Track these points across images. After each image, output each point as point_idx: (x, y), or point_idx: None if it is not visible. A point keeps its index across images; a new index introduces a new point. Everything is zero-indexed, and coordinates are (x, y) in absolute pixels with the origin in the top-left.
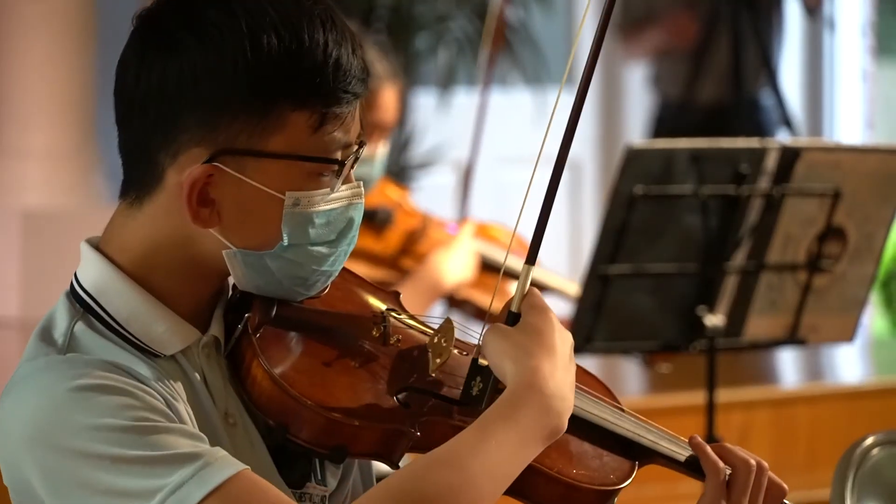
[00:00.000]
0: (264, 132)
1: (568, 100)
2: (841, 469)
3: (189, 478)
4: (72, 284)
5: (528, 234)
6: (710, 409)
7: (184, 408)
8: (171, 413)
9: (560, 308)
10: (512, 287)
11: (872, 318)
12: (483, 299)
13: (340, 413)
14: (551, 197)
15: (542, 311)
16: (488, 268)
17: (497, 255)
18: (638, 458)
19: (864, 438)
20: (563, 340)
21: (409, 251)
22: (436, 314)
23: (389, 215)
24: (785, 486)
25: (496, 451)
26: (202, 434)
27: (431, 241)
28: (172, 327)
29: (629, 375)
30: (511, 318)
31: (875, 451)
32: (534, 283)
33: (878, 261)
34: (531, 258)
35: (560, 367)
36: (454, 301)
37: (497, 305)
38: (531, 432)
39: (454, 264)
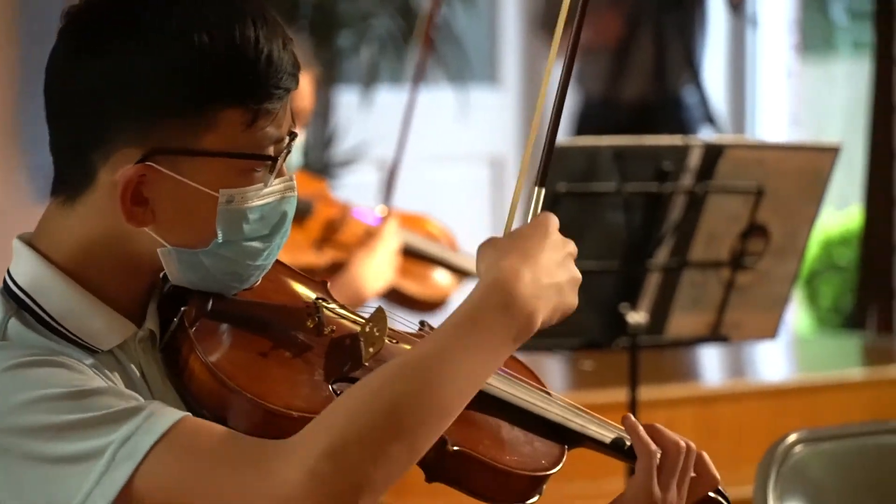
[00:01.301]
0: (197, 131)
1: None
2: (763, 466)
3: (137, 427)
4: (4, 281)
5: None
6: (633, 406)
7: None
8: (105, 380)
9: None
10: (437, 274)
11: (796, 315)
12: (408, 287)
13: (278, 405)
14: (557, 119)
15: (539, 223)
16: (412, 256)
17: (421, 243)
18: (568, 443)
19: (787, 436)
20: (553, 250)
21: (330, 240)
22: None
23: (309, 205)
24: (717, 475)
25: (461, 355)
26: (138, 395)
27: (352, 231)
28: (108, 322)
29: (553, 372)
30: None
31: (798, 448)
32: (463, 272)
33: (801, 258)
34: (541, 180)
35: (535, 269)
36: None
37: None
38: (496, 334)
39: (375, 271)
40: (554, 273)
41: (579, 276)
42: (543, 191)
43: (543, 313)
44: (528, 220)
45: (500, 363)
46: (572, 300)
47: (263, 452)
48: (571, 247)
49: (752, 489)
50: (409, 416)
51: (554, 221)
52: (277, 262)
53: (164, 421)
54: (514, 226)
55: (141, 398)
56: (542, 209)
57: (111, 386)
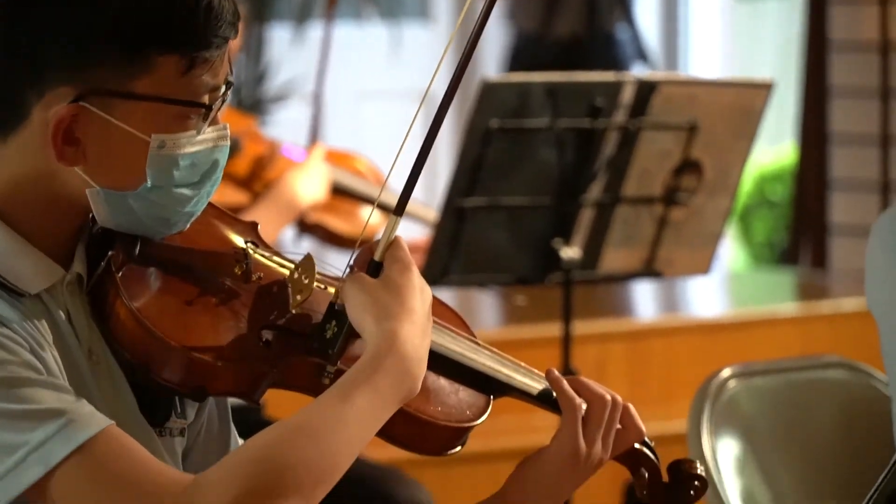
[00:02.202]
0: (132, 74)
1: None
2: (697, 401)
3: (52, 435)
4: None
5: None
6: (566, 341)
7: (49, 352)
8: (37, 364)
9: (417, 233)
10: (365, 212)
11: (729, 251)
12: (334, 224)
13: (202, 353)
14: (425, 154)
15: (405, 268)
16: (339, 192)
17: (348, 180)
18: (493, 393)
19: (720, 371)
20: (423, 300)
21: (259, 177)
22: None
23: (237, 143)
24: (643, 427)
25: (355, 417)
26: (68, 387)
27: (280, 168)
28: (37, 265)
29: (485, 308)
30: (373, 266)
31: (731, 383)
32: (390, 209)
33: (733, 194)
34: (399, 209)
35: (419, 328)
36: (305, 226)
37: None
38: (389, 396)
39: (308, 183)
40: (427, 328)
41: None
42: (400, 220)
43: (423, 372)
44: (381, 247)
45: (383, 422)
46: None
47: (173, 488)
48: (428, 290)
49: (684, 424)
50: (307, 478)
51: (411, 259)
52: (209, 204)
53: (83, 432)
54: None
55: (73, 393)
56: (474, 144)
57: (44, 378)
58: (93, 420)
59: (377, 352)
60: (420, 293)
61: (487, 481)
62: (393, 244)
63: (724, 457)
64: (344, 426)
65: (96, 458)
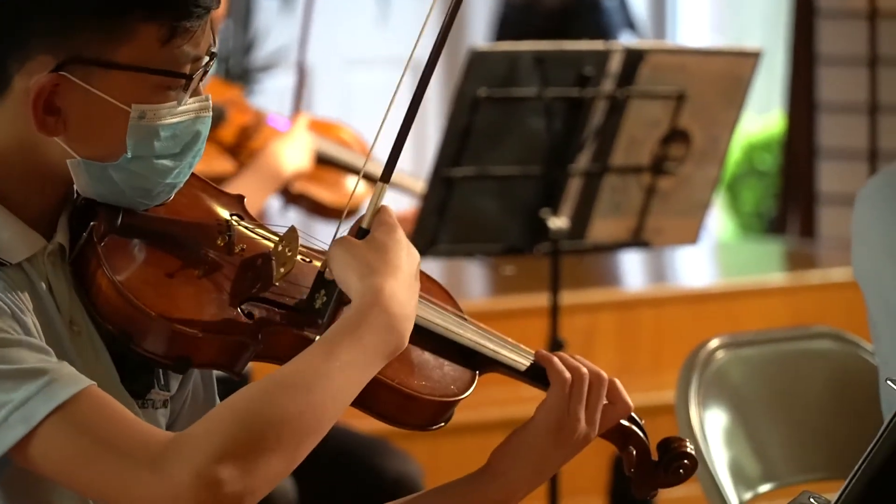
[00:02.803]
0: (113, 43)
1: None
2: (685, 371)
3: (34, 394)
4: None
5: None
6: (555, 311)
7: (31, 319)
8: (18, 327)
9: (405, 204)
10: (349, 181)
11: (718, 220)
12: (320, 194)
13: (184, 324)
14: (410, 120)
15: (390, 229)
16: (324, 162)
17: (333, 150)
18: (479, 368)
19: (708, 341)
20: (410, 259)
21: (244, 147)
22: (276, 217)
23: (222, 112)
24: (630, 403)
25: (340, 371)
26: (49, 348)
27: (265, 137)
28: (18, 234)
29: (473, 278)
30: (360, 233)
31: (719, 353)
32: (375, 179)
33: (722, 163)
34: (386, 176)
35: (404, 285)
36: (290, 196)
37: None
38: (374, 352)
39: (292, 152)
40: (414, 286)
41: (419, 286)
42: (386, 187)
43: (410, 329)
44: (368, 214)
45: (369, 380)
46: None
47: (155, 446)
48: (416, 252)
49: (673, 394)
50: (289, 433)
51: (397, 222)
52: (194, 176)
53: (65, 391)
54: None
55: (53, 354)
56: (462, 112)
57: (25, 339)
58: (74, 379)
59: (361, 307)
60: (407, 252)
61: (476, 452)
62: (380, 211)
63: (712, 427)
64: (328, 381)
65: (78, 417)
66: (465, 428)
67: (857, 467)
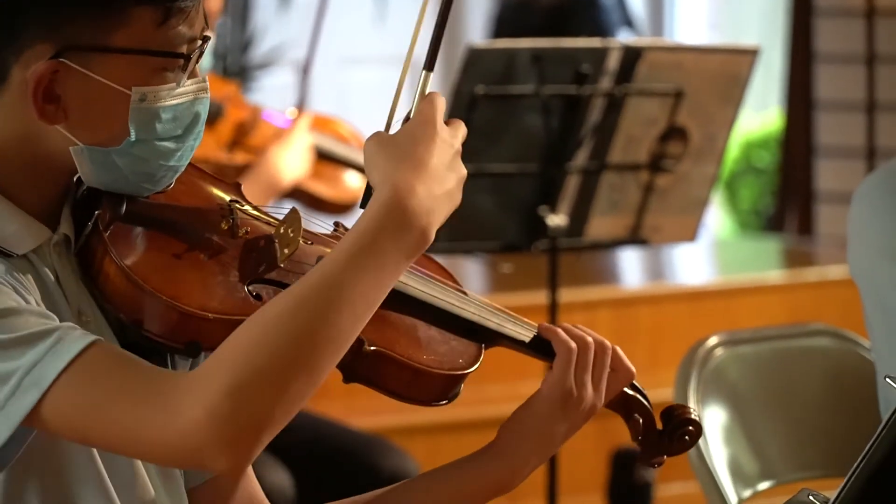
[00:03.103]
0: (109, 27)
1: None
2: (683, 369)
3: (44, 354)
4: None
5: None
6: (553, 308)
7: (34, 299)
8: (19, 297)
9: None
10: (348, 176)
11: (715, 218)
12: (318, 189)
13: (193, 307)
14: (448, 7)
15: (425, 119)
16: (323, 157)
17: (331, 145)
18: (484, 342)
19: (706, 339)
20: (442, 152)
21: (241, 143)
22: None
23: (220, 108)
24: (632, 368)
25: (357, 278)
26: (53, 315)
27: (263, 134)
28: (23, 226)
29: (471, 275)
30: (403, 121)
31: (717, 351)
32: None
33: (720, 161)
34: (430, 63)
35: (428, 179)
36: (289, 191)
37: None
38: (394, 252)
39: (291, 161)
40: (444, 180)
41: (465, 173)
42: (431, 75)
43: (436, 225)
44: (414, 105)
45: (394, 282)
46: (459, 199)
47: (166, 387)
48: (459, 138)
49: (671, 392)
50: (308, 350)
51: (440, 109)
52: (192, 165)
53: (72, 347)
54: (400, 112)
55: (54, 317)
56: (460, 110)
57: (27, 307)
58: (82, 335)
59: (376, 206)
60: (439, 145)
61: (474, 449)
62: (424, 99)
63: (710, 425)
64: (344, 291)
65: (88, 370)
66: (462, 425)
67: (855, 465)
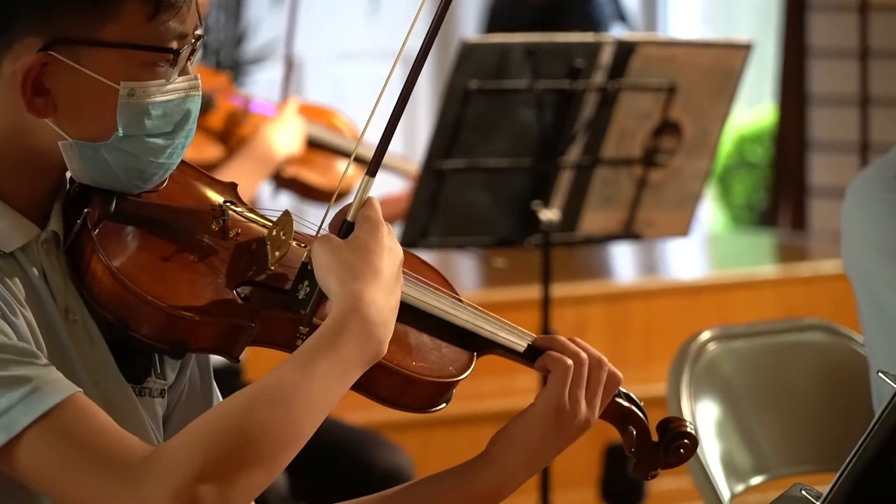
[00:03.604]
0: (99, 21)
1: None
2: (676, 364)
3: (17, 402)
4: None
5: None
6: (546, 303)
7: (21, 314)
8: (7, 328)
9: (397, 186)
10: (340, 165)
11: (709, 212)
12: (311, 177)
13: (180, 308)
14: (397, 116)
15: (373, 227)
16: (315, 146)
17: (324, 134)
18: (477, 350)
19: (699, 334)
20: (391, 260)
21: (232, 133)
22: (267, 202)
23: (210, 99)
24: (620, 374)
25: (320, 383)
26: (37, 352)
27: (253, 123)
28: (11, 223)
29: (465, 270)
30: (345, 227)
31: (711, 345)
32: (366, 163)
33: (713, 155)
34: (372, 170)
35: (385, 290)
36: (282, 180)
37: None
38: (353, 361)
39: (283, 135)
40: (394, 291)
41: (402, 279)
42: (373, 181)
43: (389, 338)
44: (354, 205)
45: (349, 386)
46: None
47: (134, 460)
48: (399, 249)
49: (664, 387)
50: (270, 446)
51: (381, 218)
52: (186, 164)
53: (48, 400)
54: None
55: (41, 358)
56: (453, 105)
57: (12, 344)
58: (58, 387)
59: (340, 314)
60: (388, 253)
61: (468, 445)
62: (365, 204)
63: (703, 419)
64: (307, 393)
65: (59, 427)
66: (455, 420)
67: (848, 459)
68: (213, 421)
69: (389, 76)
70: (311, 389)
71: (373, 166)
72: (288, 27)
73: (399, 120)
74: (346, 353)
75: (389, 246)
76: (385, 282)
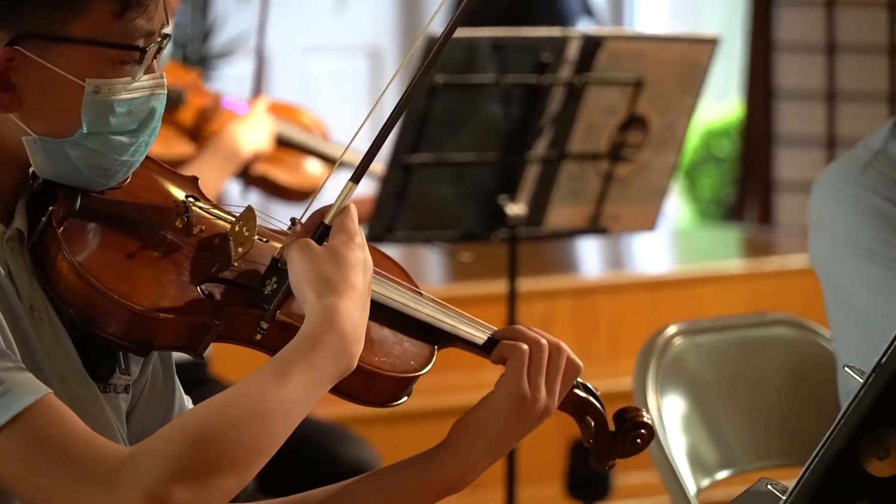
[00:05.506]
0: (66, 17)
1: None
2: (642, 358)
3: None
4: None
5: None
6: (512, 298)
7: None
8: None
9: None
10: (309, 163)
11: (676, 207)
12: (279, 176)
13: (145, 306)
14: (389, 127)
15: (350, 239)
16: (284, 145)
17: (293, 132)
18: (438, 343)
19: (666, 328)
20: (366, 275)
21: (202, 129)
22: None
23: (180, 95)
24: (579, 362)
25: (293, 394)
26: (7, 351)
27: (223, 120)
28: None
29: (431, 265)
30: (322, 230)
31: (677, 340)
32: (334, 161)
33: (680, 150)
34: (356, 177)
35: (359, 305)
36: (250, 179)
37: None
38: (326, 374)
39: (251, 133)
40: (366, 306)
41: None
42: (355, 187)
43: (361, 350)
44: (334, 208)
45: (319, 398)
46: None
47: (107, 462)
48: (371, 262)
49: (630, 381)
50: (243, 453)
51: (358, 228)
52: (149, 159)
53: (19, 402)
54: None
55: (11, 357)
56: (420, 99)
57: None
58: (30, 388)
59: (316, 328)
60: (364, 268)
61: (434, 438)
62: (344, 211)
63: (669, 414)
64: (280, 404)
65: (31, 429)
66: (422, 415)
67: (814, 454)
68: (188, 426)
69: (393, 76)
70: (284, 401)
71: (358, 172)
72: (259, 22)
73: (395, 125)
74: (320, 367)
75: (364, 259)
76: (359, 297)
